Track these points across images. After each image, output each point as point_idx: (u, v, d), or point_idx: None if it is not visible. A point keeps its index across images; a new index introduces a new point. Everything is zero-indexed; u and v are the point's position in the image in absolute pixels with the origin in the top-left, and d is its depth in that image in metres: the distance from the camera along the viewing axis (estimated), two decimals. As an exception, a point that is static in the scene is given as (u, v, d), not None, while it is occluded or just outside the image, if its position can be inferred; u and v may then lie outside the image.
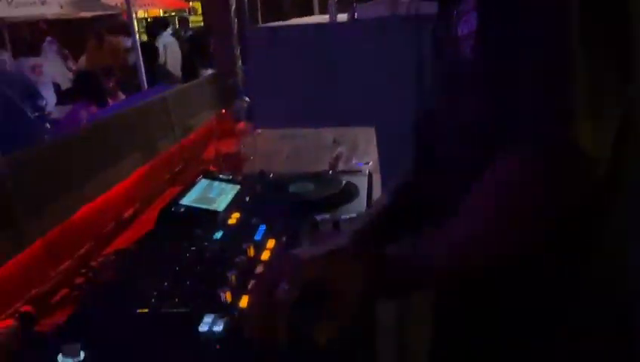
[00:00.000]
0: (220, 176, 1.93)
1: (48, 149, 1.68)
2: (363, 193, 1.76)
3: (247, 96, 2.99)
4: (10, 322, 1.21)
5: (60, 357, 0.96)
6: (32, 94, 5.30)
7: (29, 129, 4.97)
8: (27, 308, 1.30)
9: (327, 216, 1.54)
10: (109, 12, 8.23)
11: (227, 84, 3.14)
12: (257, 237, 1.44)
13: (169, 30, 7.52)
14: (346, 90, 3.15)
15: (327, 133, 2.73)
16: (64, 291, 1.40)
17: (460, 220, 0.84)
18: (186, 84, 3.35)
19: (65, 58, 6.99)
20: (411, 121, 1.20)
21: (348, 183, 1.79)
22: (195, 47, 6.77)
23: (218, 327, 1.03)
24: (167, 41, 7.03)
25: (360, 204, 1.68)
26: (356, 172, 2.00)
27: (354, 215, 1.56)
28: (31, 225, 1.36)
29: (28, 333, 1.18)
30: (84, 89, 5.32)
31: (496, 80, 0.85)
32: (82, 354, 0.97)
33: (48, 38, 6.80)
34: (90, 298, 1.24)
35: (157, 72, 5.75)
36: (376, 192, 1.92)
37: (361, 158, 2.34)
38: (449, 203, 0.85)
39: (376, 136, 2.66)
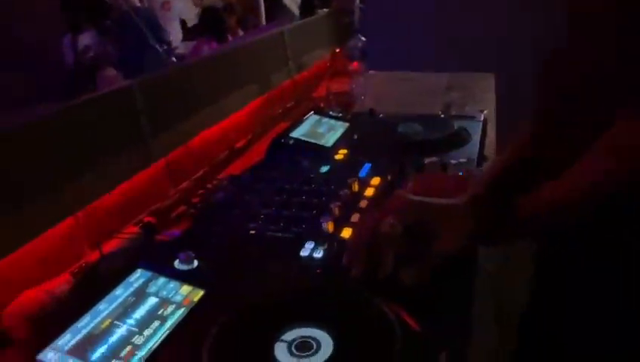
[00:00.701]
0: (330, 112, 1.94)
1: (174, 74, 1.78)
2: (476, 139, 1.68)
3: (362, 35, 2.93)
4: (136, 229, 1.34)
5: (176, 262, 1.05)
6: (159, 28, 5.65)
7: (158, 62, 5.34)
8: (150, 218, 1.43)
9: (435, 158, 1.50)
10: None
11: (343, 22, 3.10)
12: (362, 173, 1.45)
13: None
14: (464, 34, 2.99)
15: (442, 78, 2.63)
16: (181, 208, 1.53)
17: (578, 177, 0.82)
18: (302, 20, 3.35)
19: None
20: (533, 68, 1.12)
21: (460, 128, 1.72)
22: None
23: (318, 254, 1.07)
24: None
25: (471, 151, 1.61)
26: (470, 118, 1.92)
27: (464, 160, 1.50)
28: (157, 144, 1.48)
29: (149, 240, 1.31)
30: (207, 26, 5.56)
31: (630, 31, 0.78)
32: (195, 263, 1.05)
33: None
34: (205, 215, 1.33)
35: (276, 9, 5.81)
36: (491, 140, 1.83)
37: (476, 105, 2.23)
38: (569, 158, 0.82)
39: (494, 83, 2.52)
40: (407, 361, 0.77)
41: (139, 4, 5.91)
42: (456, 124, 1.74)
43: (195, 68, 1.89)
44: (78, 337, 0.86)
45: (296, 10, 6.64)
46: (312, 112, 1.91)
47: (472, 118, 1.89)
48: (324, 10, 3.48)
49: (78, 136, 1.25)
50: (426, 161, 1.49)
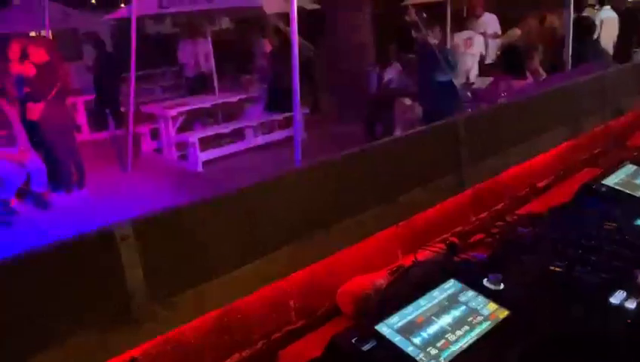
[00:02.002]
0: (649, 164, 1.82)
1: (492, 112, 1.93)
2: None
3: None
4: (442, 246, 1.52)
5: (485, 280, 1.17)
6: (457, 64, 5.93)
7: (455, 95, 5.62)
8: (454, 239, 1.60)
9: None
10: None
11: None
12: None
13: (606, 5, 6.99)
14: None
15: None
16: (480, 235, 1.65)
17: None
18: (622, 65, 3.14)
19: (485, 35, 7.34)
20: None
21: None
22: (630, 23, 6.13)
23: (631, 304, 1.06)
24: (606, 15, 6.56)
25: None
26: None
27: None
28: (469, 173, 1.64)
29: (452, 258, 1.47)
30: (507, 63, 5.58)
31: None
32: (502, 285, 1.16)
33: (486, 13, 7.28)
34: (509, 245, 1.42)
35: (588, 49, 5.47)
36: None
37: None
38: None
39: None
40: None
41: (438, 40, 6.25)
42: None
43: (509, 108, 2.00)
44: (404, 321, 1.06)
45: (610, 50, 6.15)
46: (628, 162, 1.81)
47: None
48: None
49: (408, 159, 1.49)
50: None
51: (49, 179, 5.20)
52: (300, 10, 4.33)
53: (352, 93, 7.49)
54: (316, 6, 8.56)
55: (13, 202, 5.04)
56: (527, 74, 5.41)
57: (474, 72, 6.62)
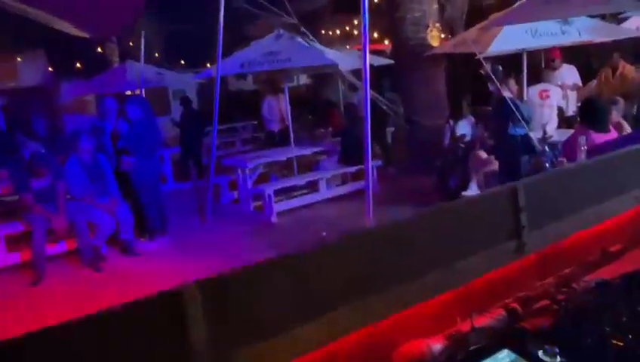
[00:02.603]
0: None
1: (555, 176, 1.91)
2: None
3: None
4: (501, 311, 1.51)
5: (540, 352, 1.16)
6: (530, 116, 5.82)
7: (531, 149, 5.50)
8: (514, 305, 1.57)
9: None
10: (629, 36, 7.88)
11: None
12: None
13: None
14: None
15: None
16: (545, 302, 1.61)
17: None
18: None
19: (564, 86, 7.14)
20: None
21: None
22: None
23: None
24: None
25: None
26: None
27: None
28: (531, 238, 1.62)
29: (512, 324, 1.44)
30: (588, 116, 5.41)
31: None
32: (558, 358, 1.14)
33: (564, 65, 7.12)
34: (571, 315, 1.39)
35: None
36: None
37: None
38: None
39: None
40: None
41: (514, 93, 6.17)
42: None
43: (576, 171, 1.96)
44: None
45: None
46: None
47: None
48: None
49: (468, 223, 1.51)
50: None
51: (135, 226, 5.57)
52: (372, 66, 4.48)
53: (425, 145, 7.52)
54: (389, 61, 8.78)
55: (103, 248, 5.43)
56: (610, 127, 5.21)
57: (552, 124, 6.45)
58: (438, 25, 8.21)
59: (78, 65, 14.19)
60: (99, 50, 13.44)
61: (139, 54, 8.08)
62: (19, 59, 11.22)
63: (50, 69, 12.44)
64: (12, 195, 5.28)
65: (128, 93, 9.78)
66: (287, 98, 7.85)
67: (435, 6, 8.19)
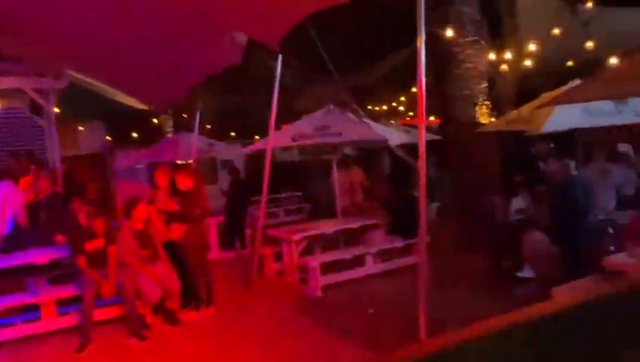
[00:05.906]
0: None
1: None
2: None
3: None
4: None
5: None
6: (594, 196, 5.58)
7: (590, 229, 5.26)
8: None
9: None
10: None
11: None
12: None
13: None
14: None
15: None
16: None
17: None
18: None
19: (631, 165, 6.91)
20: None
21: None
22: None
23: None
24: None
25: None
26: None
27: None
28: None
29: None
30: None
31: None
32: None
33: (625, 145, 6.95)
34: None
35: None
36: None
37: None
38: None
39: None
40: None
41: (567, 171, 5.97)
42: None
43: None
44: None
45: None
46: None
47: None
48: None
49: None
50: None
51: (181, 295, 5.51)
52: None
53: (477, 222, 7.32)
54: (437, 136, 8.79)
55: (149, 317, 5.37)
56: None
57: (611, 204, 6.20)
58: (487, 102, 8.24)
59: (135, 134, 14.87)
60: (154, 120, 14.10)
61: (192, 125, 8.39)
62: (80, 128, 11.84)
63: (108, 137, 13.06)
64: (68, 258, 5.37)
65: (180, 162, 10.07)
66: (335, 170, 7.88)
67: (485, 84, 8.26)
